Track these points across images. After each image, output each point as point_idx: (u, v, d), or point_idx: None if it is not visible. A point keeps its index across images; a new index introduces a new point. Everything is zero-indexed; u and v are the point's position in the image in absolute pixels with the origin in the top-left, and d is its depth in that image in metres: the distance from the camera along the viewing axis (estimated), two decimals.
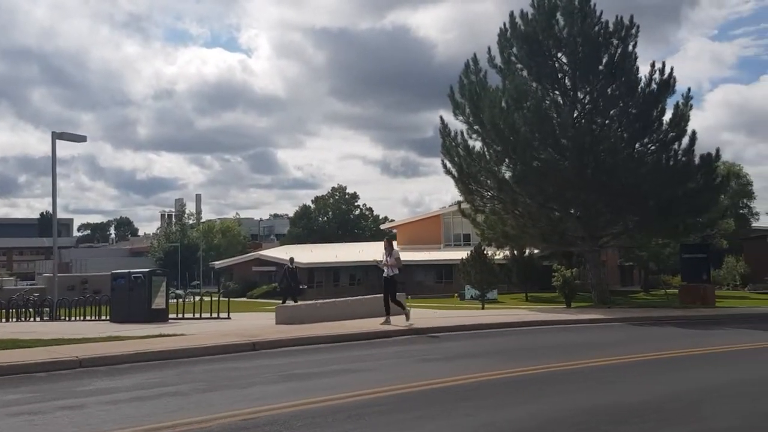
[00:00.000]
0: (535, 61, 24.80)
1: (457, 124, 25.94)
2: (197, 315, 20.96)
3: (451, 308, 31.08)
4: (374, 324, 16.35)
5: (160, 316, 18.95)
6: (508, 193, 24.21)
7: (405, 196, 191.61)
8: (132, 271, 19.98)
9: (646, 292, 55.45)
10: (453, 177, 25.13)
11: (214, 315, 20.92)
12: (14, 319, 24.19)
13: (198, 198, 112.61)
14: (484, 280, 36.29)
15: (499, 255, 42.98)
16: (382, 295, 16.86)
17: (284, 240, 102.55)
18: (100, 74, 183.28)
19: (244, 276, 71.55)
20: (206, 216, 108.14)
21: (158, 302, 19.12)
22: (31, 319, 24.22)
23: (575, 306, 26.48)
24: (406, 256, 67.08)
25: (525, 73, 25.45)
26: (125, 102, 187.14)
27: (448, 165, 25.16)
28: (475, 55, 25.99)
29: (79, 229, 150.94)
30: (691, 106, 25.22)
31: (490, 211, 25.73)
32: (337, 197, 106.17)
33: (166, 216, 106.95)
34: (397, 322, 16.25)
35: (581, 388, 8.71)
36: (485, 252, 36.15)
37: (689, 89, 26.01)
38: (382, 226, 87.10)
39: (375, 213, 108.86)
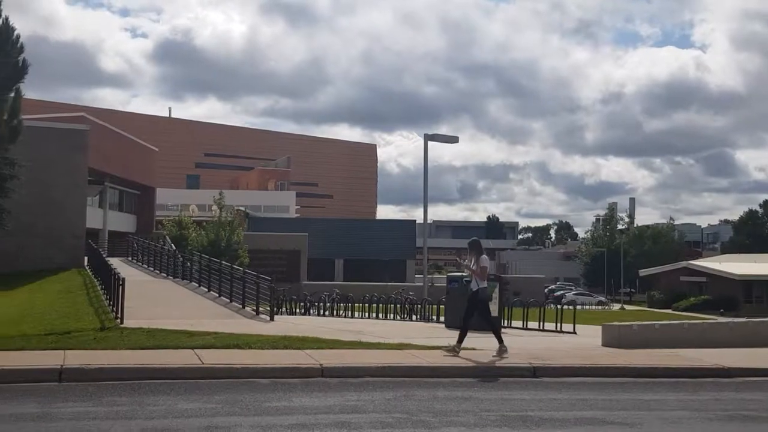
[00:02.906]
0: None
1: None
2: (541, 327, 19.23)
3: None
4: (716, 357, 12.62)
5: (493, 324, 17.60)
6: None
7: None
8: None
9: None
10: None
11: (559, 328, 19.01)
12: (397, 317, 25.22)
13: (632, 202, 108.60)
14: None
15: None
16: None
17: (724, 248, 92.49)
18: (549, 83, 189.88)
19: (671, 286, 66.63)
20: (653, 221, 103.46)
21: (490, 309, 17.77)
22: (399, 317, 25.19)
23: None
24: None
25: None
26: (574, 108, 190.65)
27: None
28: None
29: (520, 233, 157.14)
30: None
31: None
32: None
33: (599, 221, 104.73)
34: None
35: None
36: None
37: None
38: None
39: None
